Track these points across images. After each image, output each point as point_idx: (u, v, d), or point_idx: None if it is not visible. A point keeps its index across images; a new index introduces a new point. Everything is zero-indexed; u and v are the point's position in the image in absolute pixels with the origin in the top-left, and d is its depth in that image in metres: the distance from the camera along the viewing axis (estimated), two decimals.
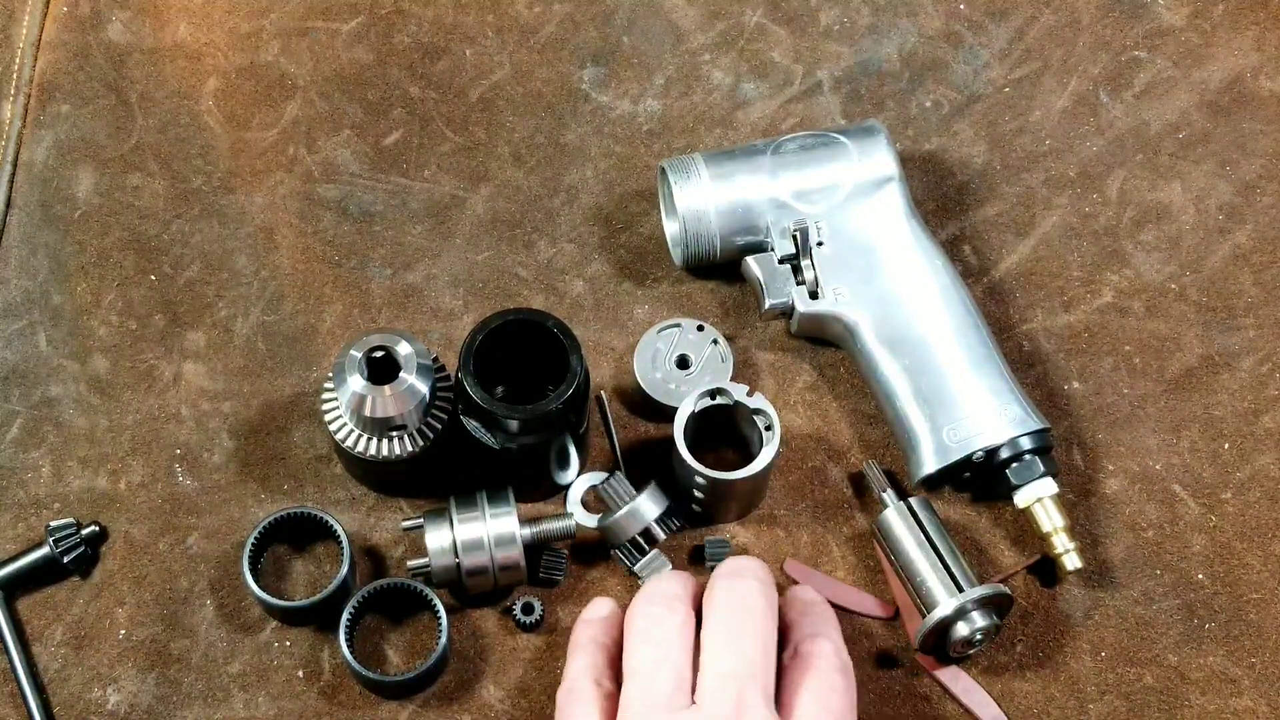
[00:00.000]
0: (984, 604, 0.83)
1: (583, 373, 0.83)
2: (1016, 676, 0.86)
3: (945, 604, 0.82)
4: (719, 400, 0.86)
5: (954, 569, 0.83)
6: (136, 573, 0.88)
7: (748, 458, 0.85)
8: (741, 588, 0.76)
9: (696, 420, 0.87)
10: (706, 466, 0.84)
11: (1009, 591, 0.84)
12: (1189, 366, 0.94)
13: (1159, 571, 0.88)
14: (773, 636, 0.75)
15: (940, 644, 0.84)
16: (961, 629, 0.82)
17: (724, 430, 0.89)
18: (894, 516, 0.85)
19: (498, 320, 0.83)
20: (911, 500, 0.86)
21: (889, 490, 0.86)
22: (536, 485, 0.89)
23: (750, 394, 0.86)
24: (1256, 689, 0.86)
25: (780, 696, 0.74)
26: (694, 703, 0.73)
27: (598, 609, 0.81)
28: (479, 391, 0.81)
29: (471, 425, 0.83)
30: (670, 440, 0.85)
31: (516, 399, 0.84)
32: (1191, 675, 0.86)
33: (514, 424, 0.82)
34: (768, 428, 0.85)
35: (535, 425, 0.82)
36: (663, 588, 0.78)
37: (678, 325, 0.93)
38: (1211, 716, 0.85)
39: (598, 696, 0.75)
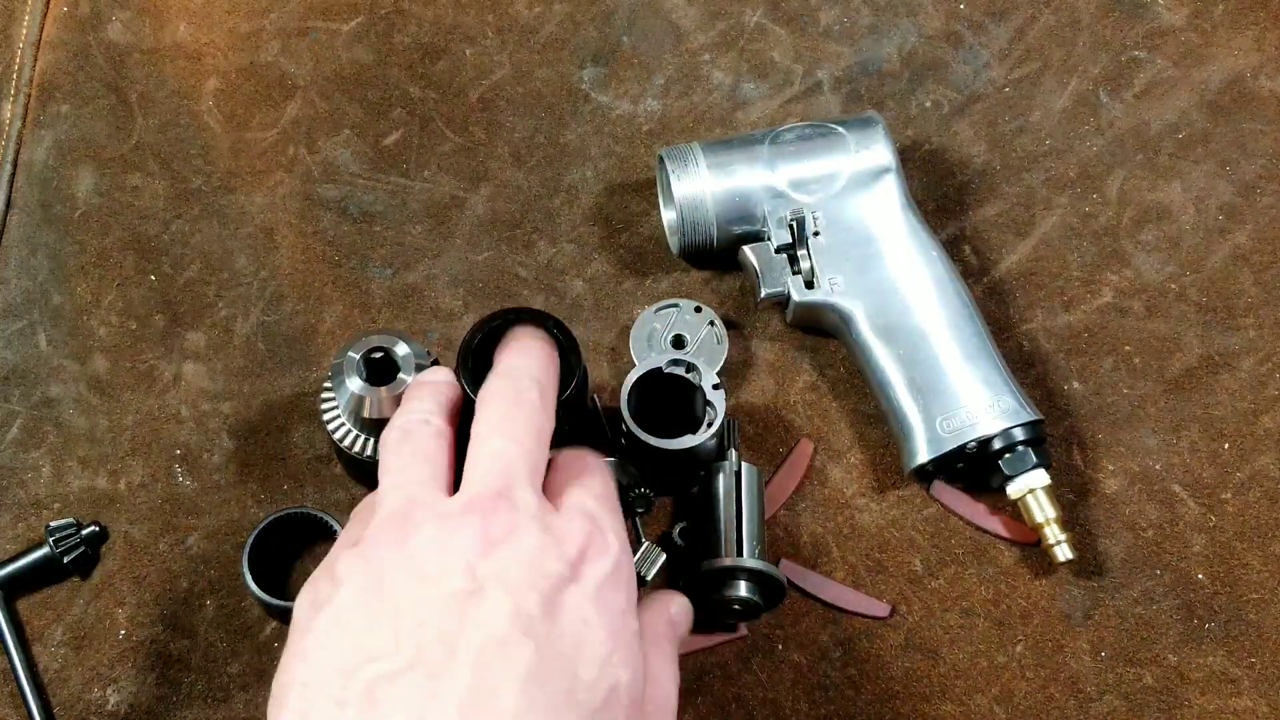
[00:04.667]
0: None
1: (581, 373, 0.83)
2: (1016, 676, 0.86)
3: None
4: (689, 375, 0.87)
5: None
6: (136, 573, 0.88)
7: None
8: (515, 383, 0.73)
9: (663, 387, 0.87)
10: (641, 426, 0.85)
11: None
12: (1189, 366, 0.94)
13: (1159, 571, 0.88)
14: (546, 427, 0.72)
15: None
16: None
17: (690, 413, 0.89)
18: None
19: (497, 319, 0.83)
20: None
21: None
22: None
23: (717, 387, 0.86)
24: (1256, 689, 0.86)
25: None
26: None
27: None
28: (475, 390, 0.81)
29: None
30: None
31: None
32: (1191, 675, 0.86)
33: None
34: (709, 423, 0.86)
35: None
36: (416, 405, 0.74)
37: (675, 305, 0.93)
38: (1211, 716, 0.85)
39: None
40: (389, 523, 0.66)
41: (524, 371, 0.73)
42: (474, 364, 0.82)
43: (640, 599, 0.73)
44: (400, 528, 0.65)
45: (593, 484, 0.71)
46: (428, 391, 0.74)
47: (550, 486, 0.71)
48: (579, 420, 0.86)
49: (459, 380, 0.82)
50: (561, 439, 0.85)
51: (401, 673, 0.61)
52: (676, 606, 0.77)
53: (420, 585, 0.63)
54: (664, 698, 0.72)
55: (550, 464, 0.73)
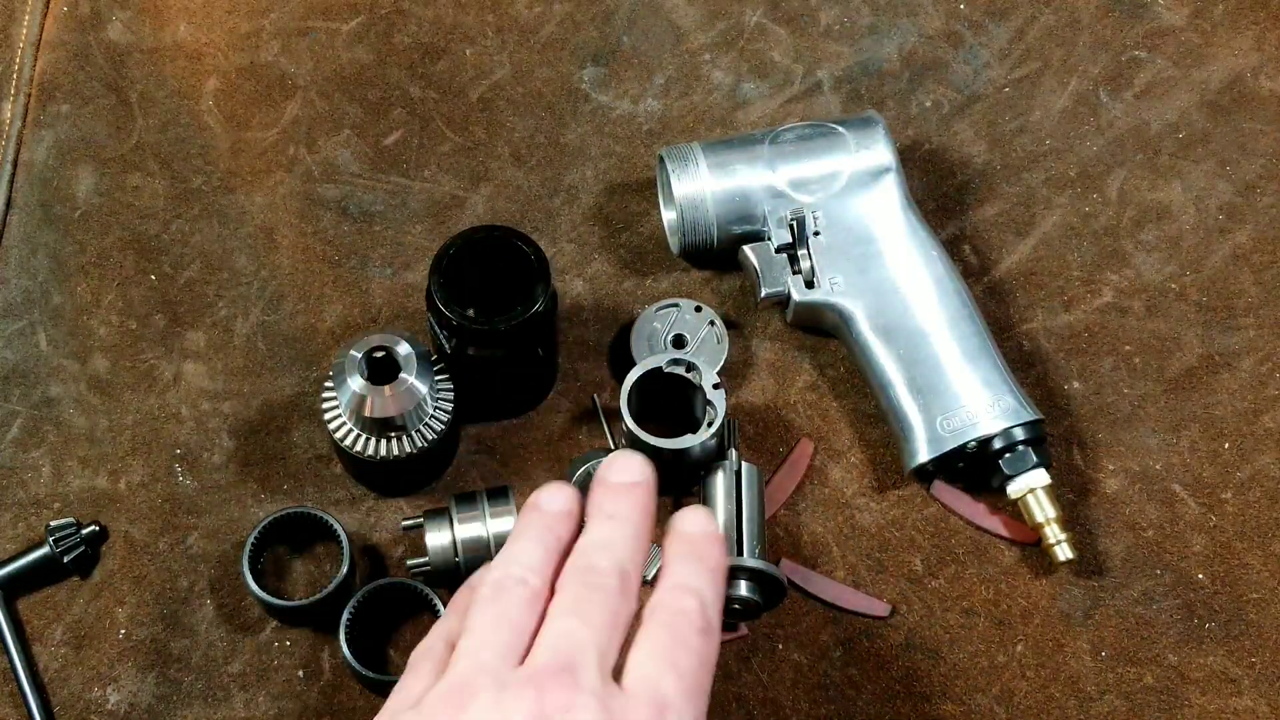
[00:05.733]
0: None
1: (544, 303, 0.83)
2: (1016, 676, 0.86)
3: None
4: (689, 375, 0.86)
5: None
6: (136, 573, 0.88)
7: None
8: (593, 569, 0.69)
9: (663, 387, 0.88)
10: (642, 426, 0.85)
11: None
12: (1189, 366, 0.94)
13: (1159, 571, 0.88)
14: (624, 612, 0.68)
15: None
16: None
17: (690, 413, 0.90)
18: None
19: (479, 233, 0.85)
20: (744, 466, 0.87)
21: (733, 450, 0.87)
22: (497, 408, 0.91)
23: (717, 387, 0.86)
24: (1256, 689, 0.86)
25: (630, 648, 0.67)
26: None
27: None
28: (450, 311, 0.83)
29: (432, 321, 0.85)
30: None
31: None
32: (1191, 675, 0.86)
33: (455, 324, 0.83)
34: (709, 423, 0.86)
35: (477, 338, 0.83)
36: (520, 555, 0.70)
37: (675, 305, 0.93)
38: (1211, 716, 0.85)
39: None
40: (452, 690, 0.65)
41: (606, 552, 0.69)
42: (447, 280, 0.83)
43: None
44: (460, 696, 0.64)
45: (684, 661, 0.66)
46: (536, 534, 0.70)
47: (635, 654, 0.67)
48: (548, 340, 0.87)
49: (431, 303, 0.83)
50: (535, 361, 0.86)
51: None
52: None
53: None
54: None
55: (650, 622, 0.68)
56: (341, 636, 0.83)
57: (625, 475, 0.70)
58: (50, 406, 0.92)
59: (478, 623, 0.67)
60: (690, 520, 0.71)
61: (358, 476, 0.90)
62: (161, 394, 0.93)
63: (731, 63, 1.03)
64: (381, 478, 0.89)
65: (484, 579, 0.69)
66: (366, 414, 0.82)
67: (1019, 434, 0.86)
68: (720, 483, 0.86)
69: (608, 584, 0.68)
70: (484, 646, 0.66)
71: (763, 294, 0.91)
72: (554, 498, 0.71)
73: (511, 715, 0.63)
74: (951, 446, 0.86)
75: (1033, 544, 0.88)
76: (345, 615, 0.83)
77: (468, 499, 0.85)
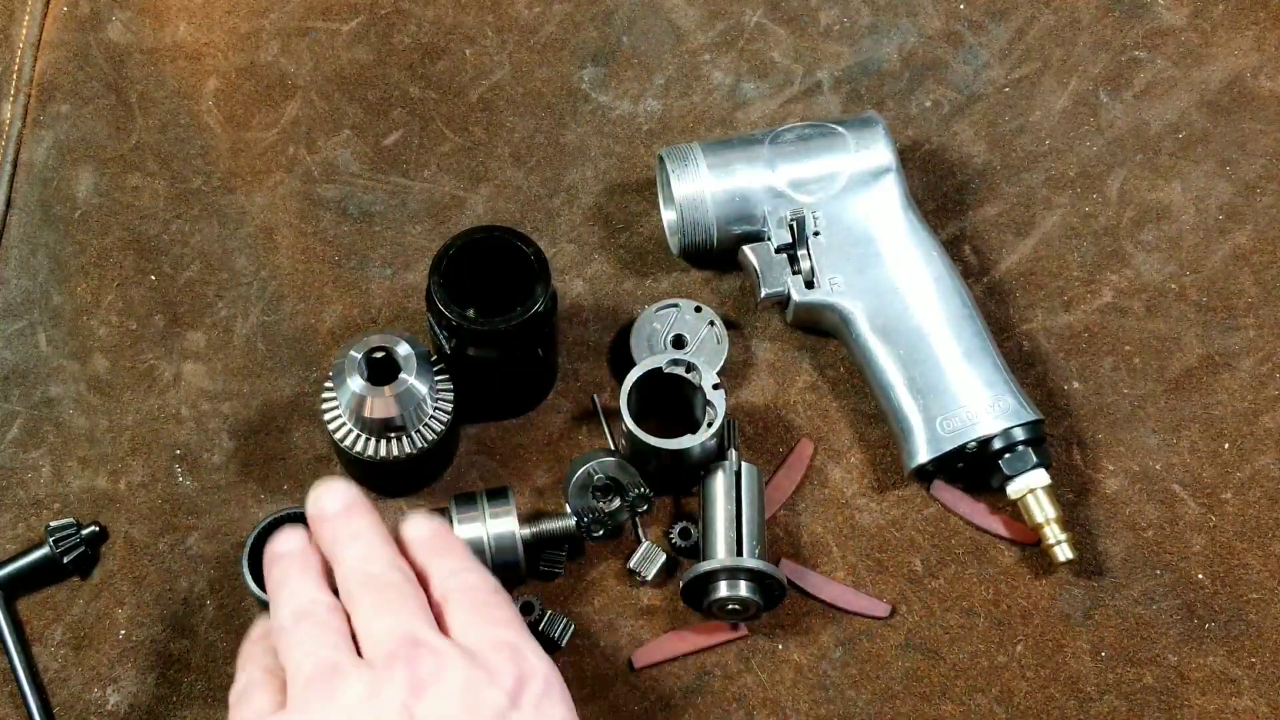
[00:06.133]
0: None
1: (544, 303, 0.83)
2: (1016, 676, 0.86)
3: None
4: (689, 375, 0.86)
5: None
6: (136, 573, 0.88)
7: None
8: (362, 575, 0.71)
9: (663, 387, 0.88)
10: (642, 427, 0.85)
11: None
12: (1189, 366, 0.94)
13: (1159, 571, 0.88)
14: (418, 586, 0.71)
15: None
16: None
17: (690, 413, 0.90)
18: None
19: (482, 233, 0.85)
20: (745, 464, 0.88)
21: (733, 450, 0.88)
22: (497, 408, 0.91)
23: (717, 387, 0.86)
24: (1256, 689, 0.86)
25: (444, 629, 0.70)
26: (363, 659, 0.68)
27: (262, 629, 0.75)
28: (450, 304, 0.83)
29: (432, 321, 0.85)
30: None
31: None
32: (1191, 675, 0.86)
33: (455, 324, 0.83)
34: (709, 423, 0.86)
35: (477, 338, 0.84)
36: (295, 591, 0.71)
37: (675, 305, 0.93)
38: (1211, 716, 0.85)
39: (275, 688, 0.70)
40: (313, 683, 0.65)
41: (374, 560, 0.71)
42: (447, 280, 0.83)
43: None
44: (326, 685, 0.65)
45: (498, 615, 0.70)
46: (295, 569, 0.72)
47: (457, 628, 0.69)
48: (548, 340, 0.87)
49: (431, 304, 0.83)
50: (535, 361, 0.86)
51: None
52: None
53: None
54: None
55: (449, 604, 0.71)
56: (245, 564, 0.83)
57: (340, 500, 0.73)
58: (50, 406, 0.92)
59: (298, 639, 0.68)
60: (416, 528, 0.75)
61: (357, 477, 0.90)
62: (161, 394, 0.93)
63: (731, 63, 1.03)
64: (381, 478, 0.89)
65: (275, 622, 0.70)
66: (366, 414, 0.83)
67: (1019, 434, 0.86)
68: (720, 483, 0.86)
69: (393, 579, 0.71)
70: (321, 645, 0.67)
71: (763, 294, 0.91)
72: (290, 539, 0.73)
73: (387, 692, 0.64)
74: (951, 447, 0.86)
75: (1033, 544, 0.88)
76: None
77: (467, 499, 0.85)
